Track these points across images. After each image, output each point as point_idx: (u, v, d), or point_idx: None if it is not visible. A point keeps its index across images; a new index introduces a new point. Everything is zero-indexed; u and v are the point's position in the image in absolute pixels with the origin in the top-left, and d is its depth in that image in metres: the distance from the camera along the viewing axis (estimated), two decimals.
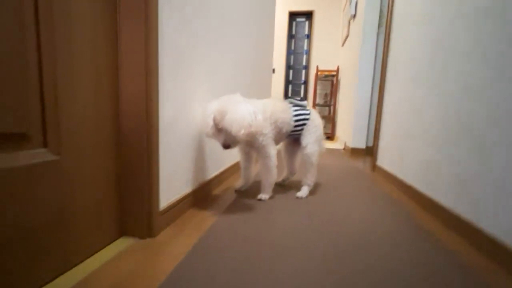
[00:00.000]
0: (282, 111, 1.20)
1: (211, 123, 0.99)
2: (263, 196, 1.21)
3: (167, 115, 0.87)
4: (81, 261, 0.67)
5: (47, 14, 0.55)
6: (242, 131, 0.94)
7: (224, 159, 1.48)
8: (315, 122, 1.30)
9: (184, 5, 0.92)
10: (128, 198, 0.79)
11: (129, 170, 0.78)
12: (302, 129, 1.28)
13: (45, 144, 0.57)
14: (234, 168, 1.65)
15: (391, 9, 1.85)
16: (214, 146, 1.31)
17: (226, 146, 1.02)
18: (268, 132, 1.14)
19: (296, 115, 1.25)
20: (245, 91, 1.84)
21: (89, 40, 0.65)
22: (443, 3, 1.18)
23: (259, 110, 1.03)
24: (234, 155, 1.65)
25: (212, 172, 1.33)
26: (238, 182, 1.36)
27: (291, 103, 1.29)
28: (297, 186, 1.38)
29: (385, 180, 1.71)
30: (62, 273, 0.62)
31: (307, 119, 1.27)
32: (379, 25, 2.78)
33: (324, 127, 4.55)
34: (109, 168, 0.74)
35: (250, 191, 1.33)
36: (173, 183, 0.94)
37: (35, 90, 0.54)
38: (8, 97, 0.49)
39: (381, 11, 2.77)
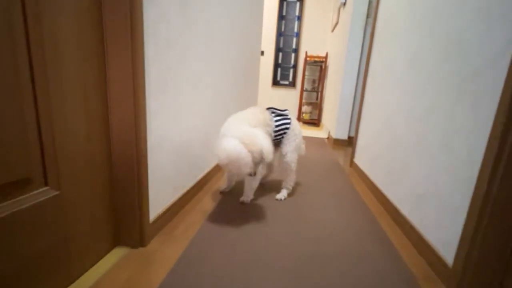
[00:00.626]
0: (265, 124, 1.28)
1: (251, 164, 1.06)
2: (245, 199, 1.33)
3: (155, 135, 0.94)
4: (83, 273, 0.78)
5: (41, 68, 0.60)
6: (271, 156, 1.12)
7: (207, 161, 1.57)
8: (295, 131, 1.39)
9: (170, 23, 0.95)
10: (121, 213, 0.89)
11: (121, 189, 0.87)
12: (282, 137, 1.38)
13: (46, 183, 0.64)
14: (217, 168, 1.74)
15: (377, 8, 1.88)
16: (199, 151, 1.39)
17: (254, 173, 1.13)
18: None
19: (277, 125, 1.34)
20: (233, 82, 1.88)
21: (80, 84, 0.70)
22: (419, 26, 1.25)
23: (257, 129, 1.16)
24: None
25: (197, 175, 1.42)
26: (223, 184, 1.47)
27: (273, 113, 1.36)
28: (277, 187, 1.50)
29: (360, 179, 1.86)
30: (67, 287, 0.72)
31: (287, 128, 1.36)
32: (367, 16, 2.79)
33: (311, 113, 4.69)
34: (103, 189, 0.83)
35: (233, 192, 1.44)
36: (161, 195, 1.03)
37: (34, 136, 0.60)
38: (12, 149, 0.56)
39: (370, 2, 2.77)
